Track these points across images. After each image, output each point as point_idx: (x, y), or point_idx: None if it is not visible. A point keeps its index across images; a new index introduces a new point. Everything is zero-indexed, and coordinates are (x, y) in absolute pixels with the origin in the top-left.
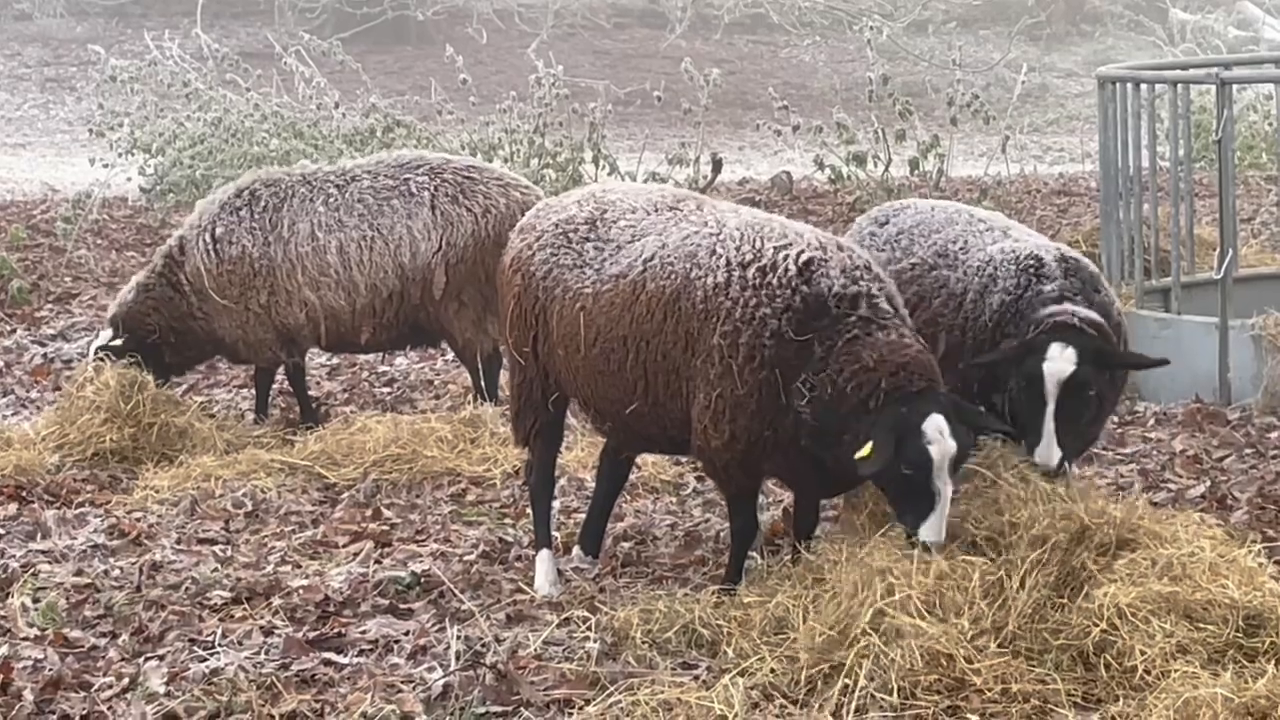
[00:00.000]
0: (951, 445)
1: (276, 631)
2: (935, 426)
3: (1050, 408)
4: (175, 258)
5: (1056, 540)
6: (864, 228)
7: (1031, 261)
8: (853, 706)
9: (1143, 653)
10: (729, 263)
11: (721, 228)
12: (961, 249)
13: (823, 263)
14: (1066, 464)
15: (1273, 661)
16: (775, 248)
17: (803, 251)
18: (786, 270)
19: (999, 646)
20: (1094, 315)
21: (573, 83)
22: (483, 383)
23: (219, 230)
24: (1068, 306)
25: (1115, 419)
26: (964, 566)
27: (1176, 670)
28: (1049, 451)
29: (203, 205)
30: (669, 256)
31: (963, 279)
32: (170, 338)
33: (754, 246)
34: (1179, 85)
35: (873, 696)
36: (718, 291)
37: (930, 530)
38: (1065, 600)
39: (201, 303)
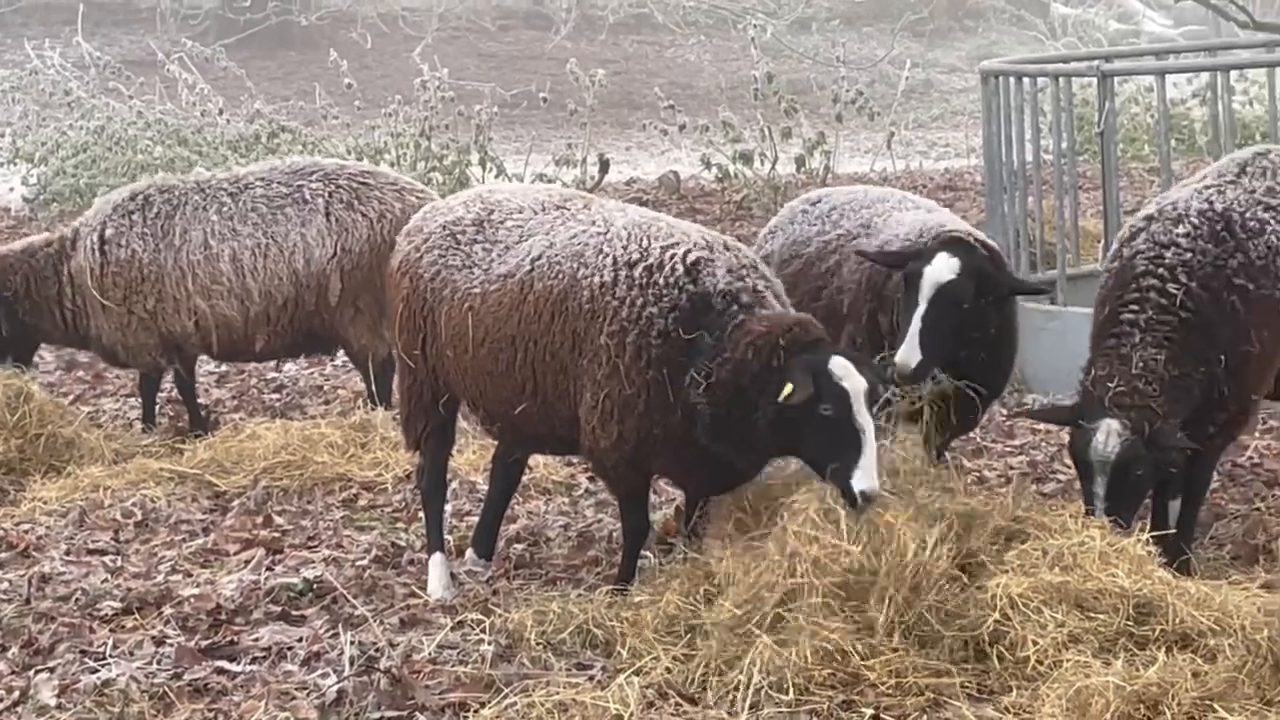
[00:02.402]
0: (862, 380)
1: (168, 641)
2: (840, 364)
3: (920, 310)
4: (66, 249)
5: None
6: (797, 206)
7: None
8: (747, 704)
9: (1035, 643)
10: (616, 262)
11: (609, 227)
12: (883, 221)
13: (709, 262)
14: (931, 378)
15: (1163, 649)
16: (662, 247)
17: (690, 251)
18: (674, 270)
19: (895, 640)
20: (990, 240)
21: (458, 85)
22: (374, 387)
23: (109, 231)
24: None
25: (1004, 412)
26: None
27: (1069, 659)
28: (909, 352)
29: (99, 203)
30: (556, 256)
31: (872, 243)
32: (24, 306)
33: (641, 246)
34: (1061, 78)
35: (767, 693)
36: (604, 291)
37: (863, 478)
38: (960, 590)
39: (76, 295)
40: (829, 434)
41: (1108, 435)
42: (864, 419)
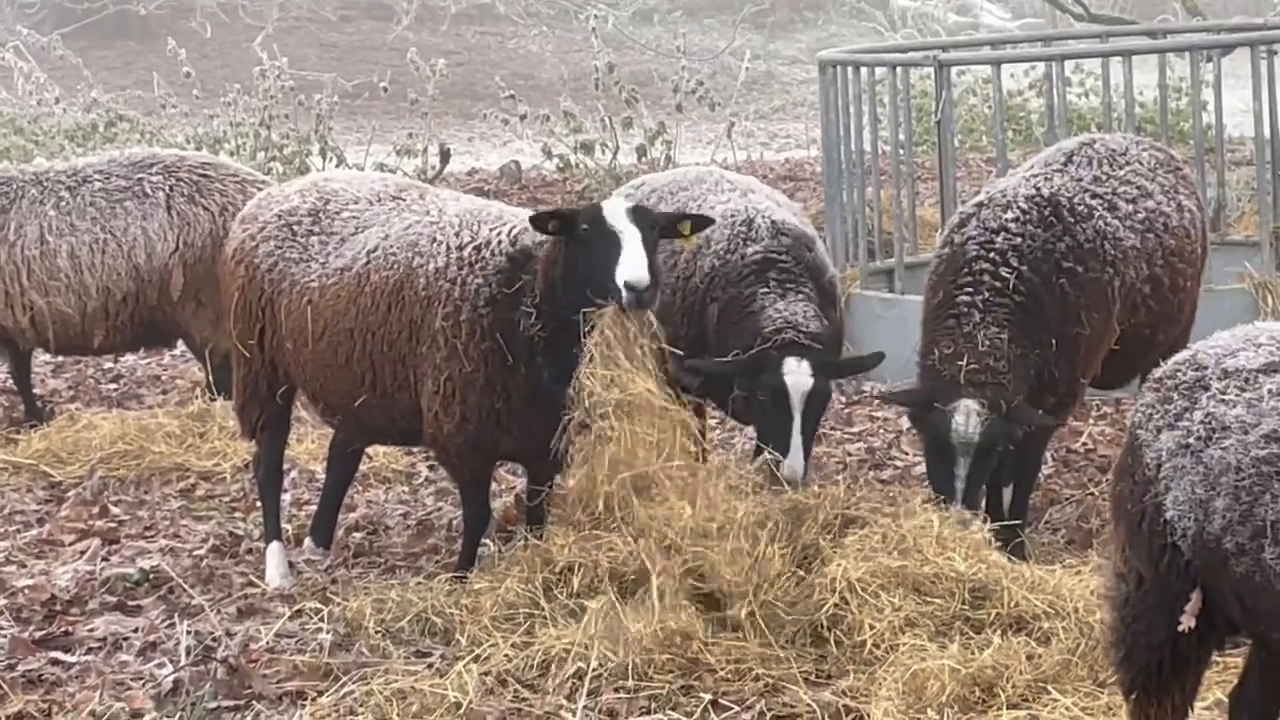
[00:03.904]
0: (624, 201)
1: (2, 632)
2: (610, 200)
3: (798, 420)
4: None
5: (776, 521)
6: (623, 191)
7: (743, 225)
8: (586, 689)
9: (872, 626)
10: (448, 248)
11: (442, 215)
12: (696, 207)
13: (529, 231)
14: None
15: (998, 632)
16: (490, 228)
17: (514, 227)
18: (499, 243)
19: (735, 627)
20: (815, 328)
21: (299, 76)
22: (214, 378)
23: None
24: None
25: (843, 399)
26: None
27: (905, 643)
28: (798, 461)
29: None
30: (391, 247)
31: None
32: None
33: (471, 230)
34: (898, 68)
35: (607, 679)
36: (438, 276)
37: (627, 269)
38: (803, 575)
39: None
40: (593, 252)
41: (968, 416)
42: (621, 225)
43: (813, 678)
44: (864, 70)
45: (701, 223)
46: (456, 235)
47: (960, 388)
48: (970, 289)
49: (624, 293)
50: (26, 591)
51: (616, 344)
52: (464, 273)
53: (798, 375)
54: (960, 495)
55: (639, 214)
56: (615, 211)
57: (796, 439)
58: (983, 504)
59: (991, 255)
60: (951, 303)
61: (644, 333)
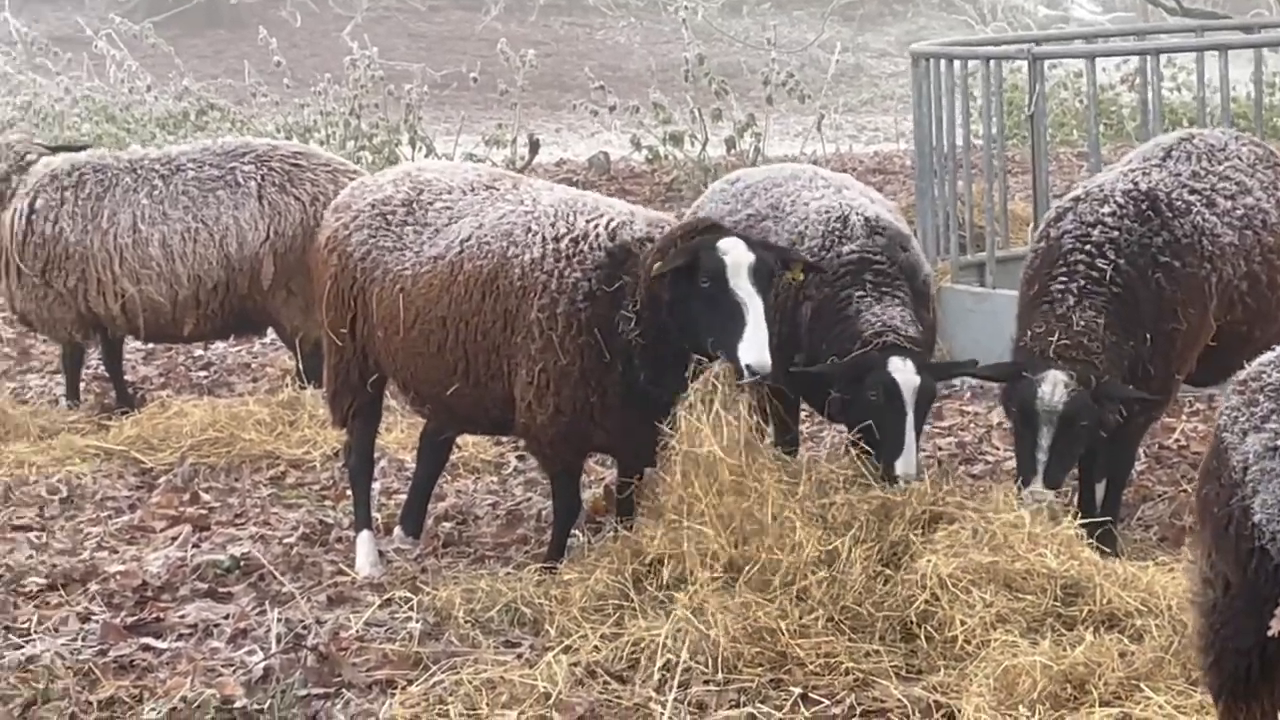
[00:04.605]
0: (748, 254)
1: (94, 617)
2: (728, 241)
3: (910, 417)
4: (4, 195)
5: (865, 519)
6: (718, 186)
7: (837, 223)
8: (675, 681)
9: (963, 622)
10: (544, 239)
11: (536, 205)
12: (791, 204)
13: (629, 224)
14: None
15: (1090, 629)
16: (587, 220)
17: (612, 220)
18: (597, 236)
19: (826, 621)
20: (913, 333)
21: (388, 66)
22: (304, 367)
23: (39, 203)
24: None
25: None
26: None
27: (996, 639)
28: (911, 459)
29: (41, 166)
30: (485, 236)
31: (780, 233)
32: None
33: (567, 221)
34: (991, 61)
35: (697, 671)
36: (534, 267)
37: (750, 351)
38: (890, 573)
39: None
40: (714, 310)
41: (1054, 386)
42: (745, 292)
43: (903, 673)
44: (956, 63)
45: (811, 267)
46: (552, 226)
47: (1050, 360)
48: (1065, 278)
49: (745, 373)
50: (118, 577)
51: (719, 399)
52: (561, 265)
53: (906, 373)
54: (1041, 469)
55: (761, 273)
56: (739, 271)
57: (909, 436)
58: (1074, 498)
59: (1088, 248)
60: (1046, 291)
61: (748, 393)
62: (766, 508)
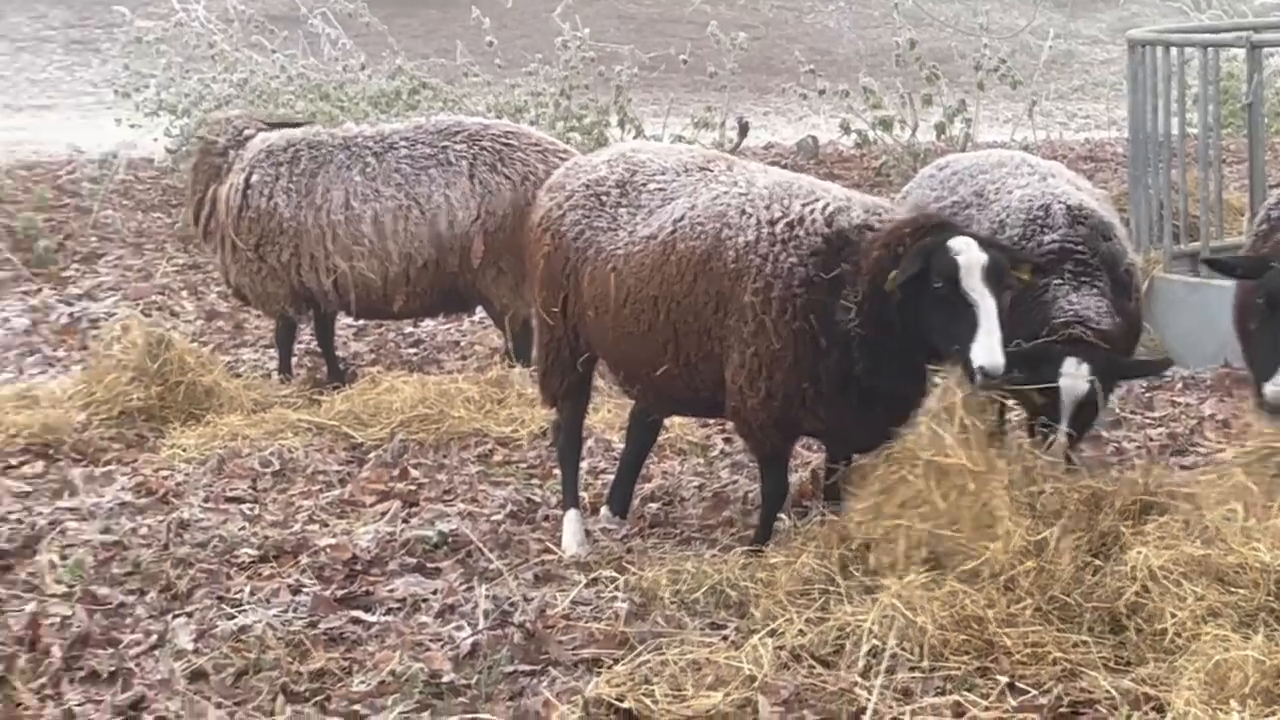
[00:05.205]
0: (980, 255)
1: (304, 590)
2: (960, 241)
3: (1064, 422)
4: (222, 169)
5: (1075, 508)
6: (926, 172)
7: (1040, 211)
8: (882, 668)
9: (1173, 615)
10: (759, 221)
11: (750, 187)
12: (995, 191)
13: (846, 210)
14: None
15: None
16: (803, 204)
17: (828, 205)
18: (813, 221)
19: (1034, 610)
20: (1106, 325)
21: (598, 47)
22: (513, 345)
23: (254, 177)
24: (1083, 314)
25: (1143, 384)
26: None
27: (1207, 633)
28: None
29: (258, 141)
30: (699, 217)
31: (982, 221)
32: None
33: (783, 205)
34: (1209, 49)
35: (903, 658)
36: (748, 250)
37: (983, 352)
38: (1100, 564)
39: (212, 219)
40: (945, 311)
41: None
42: (979, 294)
43: (1111, 664)
44: (1173, 50)
45: (1040, 269)
46: (767, 209)
47: None
48: None
49: (977, 375)
50: (329, 550)
51: (960, 406)
52: (776, 249)
53: (1074, 379)
54: None
55: (994, 274)
56: (971, 272)
57: (1060, 440)
58: None
59: None
60: None
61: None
62: (991, 497)
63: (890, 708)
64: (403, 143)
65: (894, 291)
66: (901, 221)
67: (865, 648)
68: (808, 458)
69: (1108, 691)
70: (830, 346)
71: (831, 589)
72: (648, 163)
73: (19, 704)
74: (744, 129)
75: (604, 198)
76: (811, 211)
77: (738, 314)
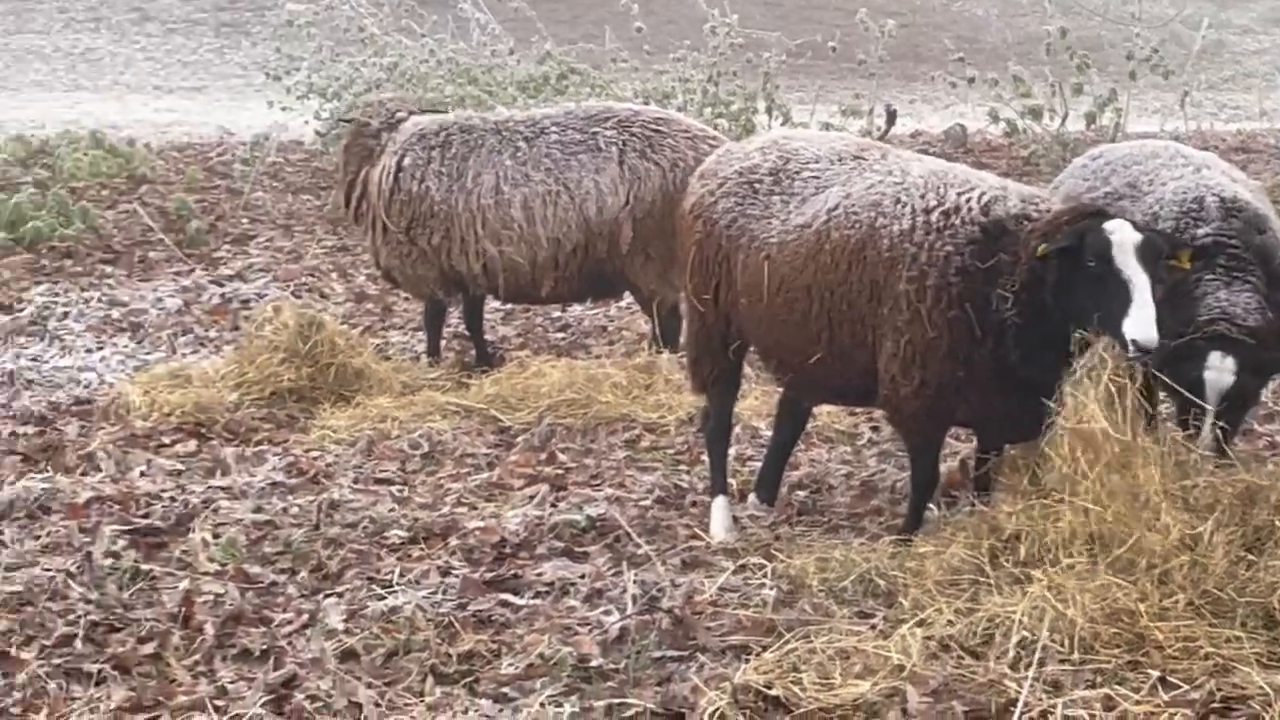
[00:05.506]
0: (1134, 233)
1: (454, 572)
2: (1114, 221)
3: (1209, 416)
4: (375, 151)
5: (1229, 502)
6: (1079, 162)
7: (1193, 204)
8: (1034, 659)
9: None
10: (913, 210)
11: (905, 176)
12: (1148, 183)
13: (1002, 199)
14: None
15: None
16: (958, 193)
17: (985, 193)
18: (969, 210)
19: (1187, 605)
20: (1253, 321)
21: (745, 33)
22: (660, 331)
23: (406, 160)
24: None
25: None
26: (1156, 523)
27: None
28: (1208, 442)
29: (411, 124)
30: (853, 206)
31: (1135, 213)
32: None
33: (938, 193)
34: None
35: (1054, 650)
36: (903, 238)
37: (1136, 326)
38: (1254, 559)
39: (362, 201)
40: (1099, 290)
41: None
42: (1131, 270)
43: (1264, 660)
44: None
45: (1200, 255)
46: (922, 198)
47: None
48: None
49: (1130, 349)
50: (478, 533)
51: (1106, 375)
52: (931, 238)
53: (1219, 372)
54: None
55: (1148, 252)
56: (1124, 249)
57: (1206, 434)
58: None
59: None
60: None
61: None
62: (1150, 486)
63: (1040, 700)
64: (553, 128)
65: (1046, 274)
66: (1060, 211)
67: (1015, 639)
68: (956, 448)
69: (1260, 687)
70: (985, 335)
71: (981, 579)
72: (801, 150)
73: (173, 680)
74: (892, 117)
75: (757, 185)
76: (967, 200)
77: (892, 303)
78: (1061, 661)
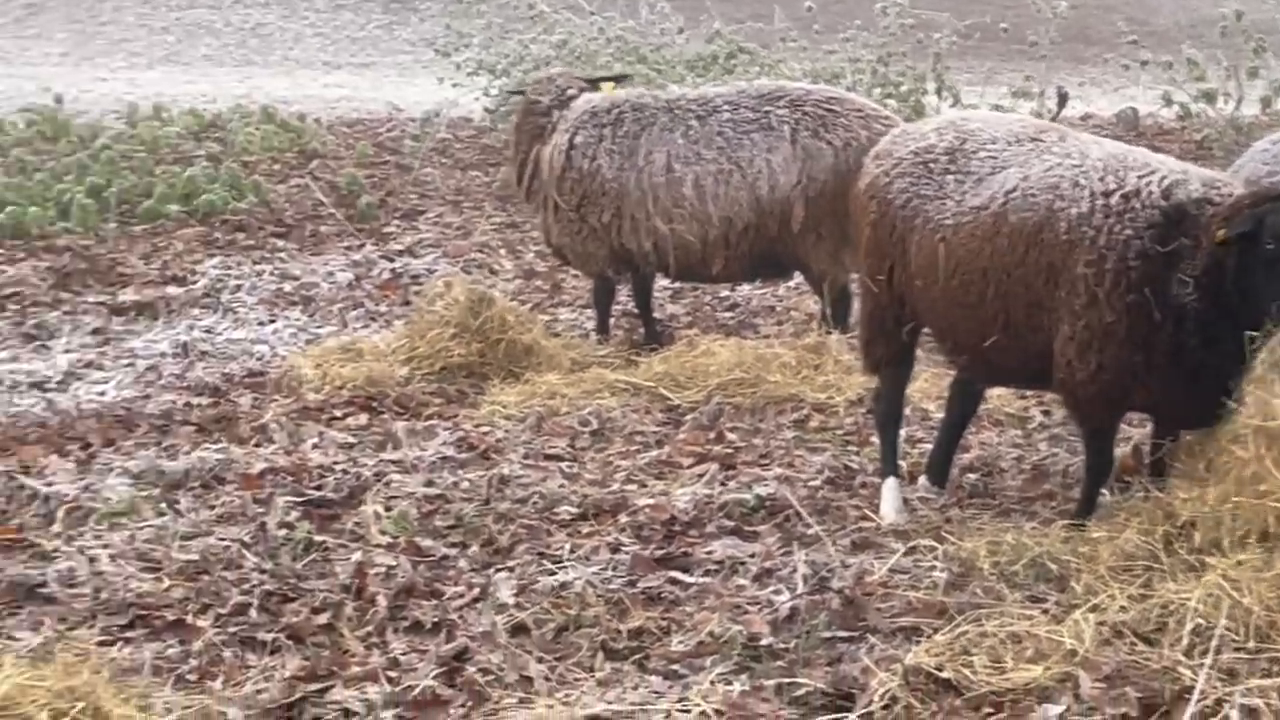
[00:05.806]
0: None
1: (624, 549)
2: None
3: None
4: (546, 129)
5: None
6: (1260, 145)
7: None
8: (1211, 646)
9: None
10: (1092, 193)
11: (1084, 159)
12: None
13: (1184, 183)
14: None
15: None
16: (1138, 176)
17: (1165, 177)
18: (1149, 194)
19: None
20: None
21: (915, 14)
22: (831, 311)
23: (579, 138)
24: None
25: None
26: None
27: None
28: None
29: (582, 103)
30: (1031, 189)
31: None
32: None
33: (1117, 176)
34: None
35: (1227, 638)
36: (1081, 221)
37: None
38: None
39: (534, 179)
40: (1277, 274)
41: None
42: None
43: None
44: None
45: None
46: (1101, 181)
47: None
48: None
49: None
50: (647, 510)
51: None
52: (1111, 221)
53: None
54: None
55: None
56: None
57: None
58: None
59: None
60: None
61: None
62: None
63: (1215, 688)
64: (725, 106)
65: (1228, 249)
66: (1241, 195)
67: (1189, 626)
68: (1129, 433)
69: None
70: (1164, 321)
71: (1155, 566)
72: (978, 131)
73: (346, 650)
74: (1063, 99)
75: (932, 166)
76: (1147, 184)
77: (1069, 286)
78: (1237, 650)
